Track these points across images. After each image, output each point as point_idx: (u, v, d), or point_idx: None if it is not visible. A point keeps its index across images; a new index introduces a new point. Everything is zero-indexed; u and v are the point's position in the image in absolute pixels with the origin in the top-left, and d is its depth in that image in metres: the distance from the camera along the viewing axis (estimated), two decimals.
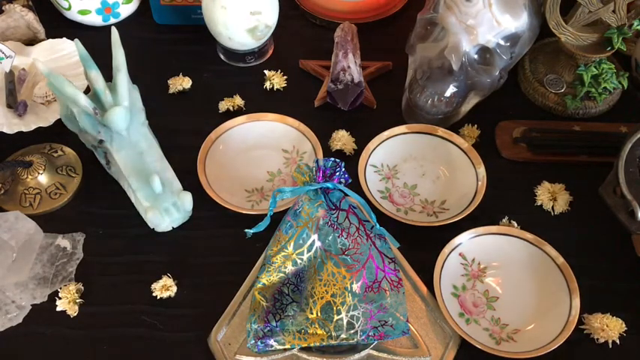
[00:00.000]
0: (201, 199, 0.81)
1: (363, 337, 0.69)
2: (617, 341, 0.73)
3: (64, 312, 0.75)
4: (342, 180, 0.70)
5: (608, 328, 0.72)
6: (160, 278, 0.77)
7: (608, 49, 0.88)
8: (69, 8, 1.00)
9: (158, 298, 0.76)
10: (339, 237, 0.70)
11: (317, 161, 0.69)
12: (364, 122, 0.91)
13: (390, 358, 0.71)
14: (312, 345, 0.69)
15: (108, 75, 0.79)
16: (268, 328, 0.69)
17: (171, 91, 0.95)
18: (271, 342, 0.69)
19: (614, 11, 0.85)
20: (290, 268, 0.71)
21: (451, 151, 0.86)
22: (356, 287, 0.69)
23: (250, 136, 0.89)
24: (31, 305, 0.75)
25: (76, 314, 0.75)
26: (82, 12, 1.00)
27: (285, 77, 0.96)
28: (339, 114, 0.91)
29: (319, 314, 0.69)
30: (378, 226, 0.72)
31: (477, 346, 0.70)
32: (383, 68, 0.97)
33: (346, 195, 0.71)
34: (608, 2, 0.84)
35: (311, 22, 1.05)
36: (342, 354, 0.70)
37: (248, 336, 0.69)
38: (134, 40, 0.98)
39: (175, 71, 0.97)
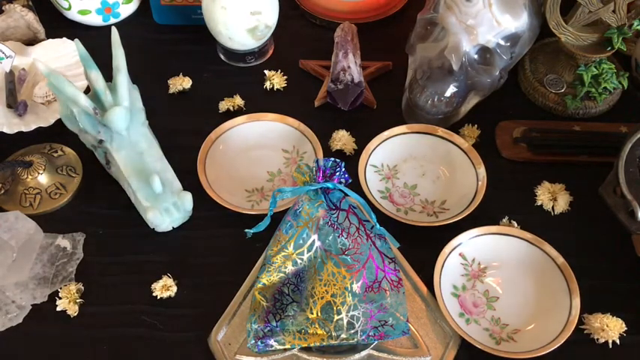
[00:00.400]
0: (201, 199, 0.81)
1: (363, 337, 0.69)
2: (617, 341, 0.73)
3: (64, 312, 0.75)
4: (342, 180, 0.70)
5: (608, 328, 0.72)
6: (160, 278, 0.77)
7: (608, 49, 0.88)
8: (69, 8, 1.00)
9: (158, 298, 0.76)
10: (339, 237, 0.70)
11: (317, 161, 0.69)
12: (364, 122, 0.91)
13: (390, 358, 0.71)
14: (312, 345, 0.69)
15: (108, 75, 0.79)
16: (268, 328, 0.69)
17: (171, 91, 0.95)
18: (271, 342, 0.69)
19: (614, 11, 0.85)
20: (290, 268, 0.71)
21: (451, 151, 0.86)
22: (356, 287, 0.69)
23: (250, 136, 0.89)
24: (31, 305, 0.75)
25: (76, 314, 0.75)
26: (82, 12, 1.00)
27: (285, 77, 0.96)
28: (339, 114, 0.91)
29: (319, 314, 0.69)
30: (378, 226, 0.72)
31: (477, 346, 0.70)
32: (383, 68, 0.97)
33: (346, 195, 0.71)
34: (608, 2, 0.84)
35: (311, 22, 1.05)
36: (342, 354, 0.70)
37: (248, 336, 0.69)
38: (134, 40, 0.98)
39: (175, 71, 0.97)
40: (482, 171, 0.83)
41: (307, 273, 0.71)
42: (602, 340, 0.73)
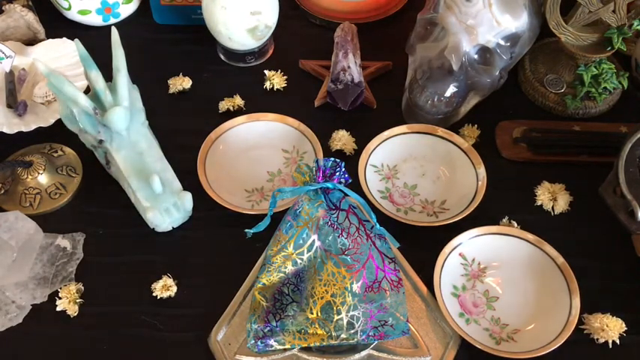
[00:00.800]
0: (201, 199, 0.81)
1: (363, 337, 0.69)
2: (617, 341, 0.73)
3: (64, 312, 0.75)
4: (342, 180, 0.70)
5: (608, 328, 0.72)
6: (160, 278, 0.77)
7: (608, 49, 0.88)
8: (69, 8, 1.00)
9: (158, 298, 0.76)
10: (339, 237, 0.70)
11: (317, 161, 0.69)
12: (364, 122, 0.91)
13: (390, 358, 0.71)
14: (312, 345, 0.69)
15: (108, 75, 0.79)
16: (268, 328, 0.69)
17: (171, 91, 0.95)
18: (271, 342, 0.69)
19: (614, 11, 0.85)
20: (290, 268, 0.71)
21: (451, 151, 0.86)
22: (356, 287, 0.69)
23: (250, 136, 0.89)
24: (31, 305, 0.75)
25: (76, 314, 0.75)
26: (82, 12, 1.00)
27: (285, 77, 0.96)
28: (339, 114, 0.91)
29: (319, 314, 0.69)
30: (378, 226, 0.72)
31: (477, 346, 0.70)
32: (383, 68, 0.97)
33: (346, 195, 0.71)
34: (608, 2, 0.84)
35: (311, 22, 1.05)
36: (342, 354, 0.70)
37: (248, 336, 0.69)
38: (134, 40, 0.98)
39: (175, 71, 0.97)
40: (482, 171, 0.83)
41: (307, 273, 0.71)
42: (602, 340, 0.73)
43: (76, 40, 0.80)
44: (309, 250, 0.71)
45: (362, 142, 0.87)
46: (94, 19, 1.01)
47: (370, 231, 0.72)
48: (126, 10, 1.03)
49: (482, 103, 0.91)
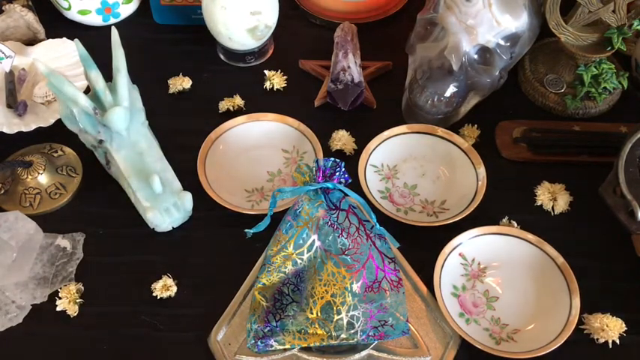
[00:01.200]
0: (201, 199, 0.81)
1: (363, 337, 0.69)
2: (617, 341, 0.73)
3: (64, 312, 0.75)
4: (342, 180, 0.70)
5: (608, 328, 0.72)
6: (160, 278, 0.77)
7: (608, 49, 0.88)
8: (69, 8, 1.00)
9: (158, 298, 0.76)
10: (339, 237, 0.70)
11: (317, 161, 0.69)
12: (364, 122, 0.91)
13: (390, 358, 0.71)
14: (312, 345, 0.69)
15: (108, 75, 0.79)
16: (268, 328, 0.69)
17: (171, 91, 0.95)
18: (271, 342, 0.69)
19: (614, 11, 0.85)
20: (290, 268, 0.71)
21: (451, 151, 0.86)
22: (356, 287, 0.69)
23: (250, 136, 0.89)
24: (31, 305, 0.75)
25: (76, 314, 0.75)
26: (82, 12, 1.00)
27: (285, 77, 0.96)
28: (339, 114, 0.91)
29: (319, 314, 0.69)
30: (378, 226, 0.72)
31: (477, 346, 0.70)
32: (383, 68, 0.97)
33: (346, 195, 0.71)
34: (608, 2, 0.84)
35: (311, 22, 1.05)
36: (342, 354, 0.70)
37: (248, 336, 0.69)
38: (134, 40, 0.98)
39: (175, 71, 0.97)
40: (482, 171, 0.83)
41: (307, 273, 0.71)
42: (602, 340, 0.73)
43: (76, 40, 0.80)
44: (309, 250, 0.71)
45: (362, 142, 0.87)
46: (94, 19, 1.01)
47: (370, 231, 0.72)
48: (126, 10, 1.03)
49: (482, 103, 0.91)
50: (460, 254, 0.78)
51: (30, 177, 0.83)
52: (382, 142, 0.87)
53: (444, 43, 0.86)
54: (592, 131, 0.89)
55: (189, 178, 0.82)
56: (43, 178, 0.84)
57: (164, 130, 0.87)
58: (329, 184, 0.69)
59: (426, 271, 0.76)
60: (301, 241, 0.70)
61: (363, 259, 0.70)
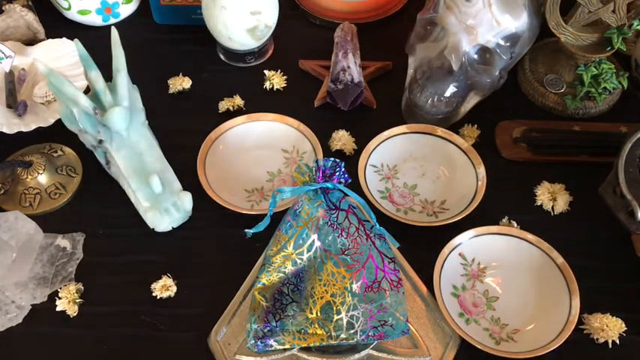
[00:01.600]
0: (201, 199, 0.81)
1: (362, 337, 0.69)
2: (617, 341, 0.73)
3: (64, 312, 0.75)
4: (342, 180, 0.70)
5: (608, 328, 0.72)
6: (160, 278, 0.77)
7: (608, 49, 0.88)
8: (69, 8, 1.00)
9: (158, 298, 0.76)
10: (338, 237, 0.70)
11: (317, 161, 0.69)
12: (364, 122, 0.91)
13: (390, 358, 0.71)
14: (312, 345, 0.69)
15: (108, 75, 0.79)
16: (268, 328, 0.69)
17: (171, 91, 0.95)
18: (271, 342, 0.69)
19: (613, 11, 0.85)
20: (290, 268, 0.71)
21: (451, 151, 0.86)
22: (356, 287, 0.69)
23: (250, 136, 0.89)
24: (31, 305, 0.75)
25: (76, 314, 0.75)
26: (82, 12, 1.00)
27: (285, 77, 0.96)
28: (339, 114, 0.91)
29: (319, 314, 0.69)
30: (377, 226, 0.72)
31: (477, 346, 0.70)
32: (383, 68, 0.97)
33: (346, 195, 0.71)
34: (608, 2, 0.84)
35: (311, 22, 1.05)
36: (342, 354, 0.70)
37: (248, 336, 0.69)
38: (134, 40, 0.98)
39: (175, 71, 0.97)
40: (482, 171, 0.83)
41: (307, 273, 0.71)
42: (601, 340, 0.73)
43: (76, 40, 0.80)
44: (308, 250, 0.71)
45: (362, 142, 0.87)
46: (94, 19, 1.01)
47: (370, 231, 0.72)
48: (126, 10, 1.03)
49: (482, 103, 0.91)
50: (460, 254, 0.78)
51: (30, 177, 0.83)
52: (382, 142, 0.87)
53: (444, 43, 0.86)
54: (592, 131, 0.89)
55: (189, 178, 0.82)
56: (43, 178, 0.84)
57: (164, 130, 0.87)
58: (329, 184, 0.69)
59: (425, 271, 0.76)
60: (301, 241, 0.70)
61: (363, 259, 0.70)
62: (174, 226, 0.81)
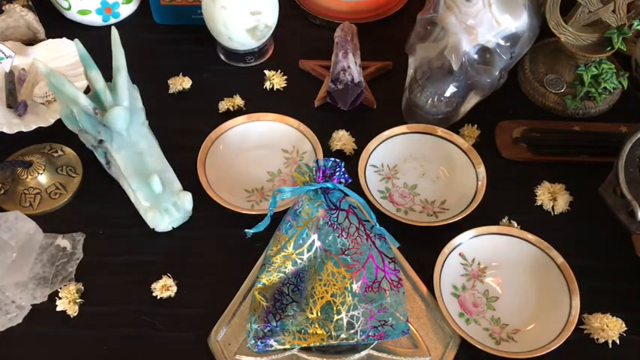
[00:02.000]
0: (201, 199, 0.81)
1: (363, 337, 0.69)
2: (617, 341, 0.73)
3: (64, 312, 0.75)
4: (342, 180, 0.70)
5: (608, 328, 0.72)
6: (160, 278, 0.77)
7: (608, 49, 0.88)
8: (69, 8, 1.00)
9: (158, 298, 0.76)
10: (339, 237, 0.70)
11: (317, 161, 0.69)
12: (364, 122, 0.91)
13: (390, 358, 0.71)
14: (312, 345, 0.69)
15: (108, 75, 0.79)
16: (268, 328, 0.69)
17: (171, 91, 0.95)
18: (271, 342, 0.69)
19: (614, 11, 0.85)
20: (290, 268, 0.71)
21: (451, 151, 0.86)
22: (356, 287, 0.69)
23: (250, 136, 0.89)
24: (31, 305, 0.75)
25: (76, 314, 0.75)
26: (82, 12, 1.00)
27: (285, 77, 0.96)
28: (339, 114, 0.91)
29: (319, 314, 0.69)
30: (378, 225, 0.72)
31: (477, 346, 0.70)
32: (383, 68, 0.97)
33: (346, 195, 0.71)
34: (608, 2, 0.84)
35: (311, 22, 1.05)
36: (342, 354, 0.70)
37: (248, 336, 0.69)
38: (134, 40, 0.98)
39: (175, 71, 0.97)
40: (482, 171, 0.83)
41: (307, 273, 0.71)
42: (602, 340, 0.73)
43: (76, 40, 0.80)
44: (309, 250, 0.71)
45: (362, 142, 0.87)
46: (94, 19, 1.01)
47: (370, 231, 0.72)
48: (126, 10, 1.03)
49: (482, 103, 0.91)
50: (460, 254, 0.78)
51: (30, 177, 0.83)
52: (382, 142, 0.87)
53: (444, 43, 0.86)
54: (592, 131, 0.89)
55: (189, 178, 0.82)
56: (43, 178, 0.84)
57: (164, 130, 0.87)
58: (329, 184, 0.69)
59: (426, 271, 0.76)
60: (301, 241, 0.70)
61: (363, 259, 0.70)
62: (175, 226, 0.81)
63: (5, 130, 0.85)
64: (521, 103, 0.94)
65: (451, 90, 0.85)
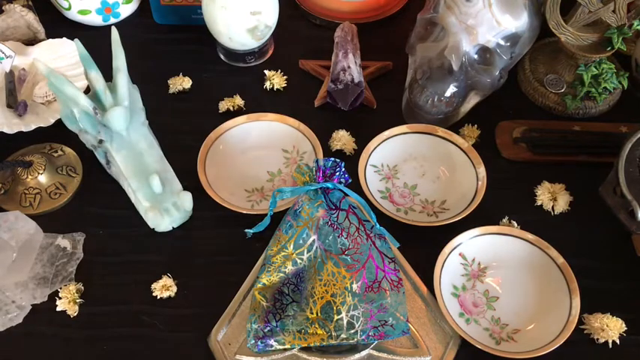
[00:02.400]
0: (201, 199, 0.81)
1: (363, 337, 0.69)
2: (617, 341, 0.73)
3: (64, 312, 0.75)
4: (342, 180, 0.70)
5: (608, 328, 0.72)
6: (160, 278, 0.77)
7: (608, 49, 0.88)
8: (69, 8, 1.00)
9: (158, 298, 0.76)
10: (339, 237, 0.70)
11: (317, 161, 0.69)
12: (364, 122, 0.91)
13: (390, 358, 0.71)
14: (312, 345, 0.69)
15: (108, 75, 0.79)
16: (268, 328, 0.69)
17: (171, 91, 0.95)
18: (271, 342, 0.69)
19: (614, 11, 0.85)
20: (290, 268, 0.71)
21: (451, 151, 0.86)
22: (356, 287, 0.69)
23: (250, 136, 0.89)
24: (31, 305, 0.75)
25: (76, 314, 0.75)
26: (82, 12, 1.00)
27: (285, 77, 0.96)
28: (339, 114, 0.91)
29: (319, 314, 0.69)
30: (378, 225, 0.72)
31: (477, 346, 0.70)
32: (383, 68, 0.97)
33: (346, 195, 0.71)
34: (608, 2, 0.84)
35: (311, 22, 1.05)
36: (342, 354, 0.70)
37: (248, 336, 0.69)
38: (134, 40, 0.98)
39: (175, 71, 0.97)
40: (482, 171, 0.83)
41: (307, 273, 0.71)
42: (602, 340, 0.73)
43: (76, 40, 0.80)
44: (309, 250, 0.71)
45: (362, 142, 0.87)
46: (94, 19, 1.01)
47: (370, 231, 0.72)
48: (126, 10, 1.03)
49: (482, 103, 0.91)
50: (460, 254, 0.78)
51: (30, 177, 0.83)
52: (382, 142, 0.87)
53: (444, 43, 0.86)
54: (592, 131, 0.89)
55: (189, 178, 0.82)
56: (43, 178, 0.84)
57: (164, 130, 0.87)
58: (329, 184, 0.69)
59: (426, 271, 0.76)
60: (301, 241, 0.70)
61: (363, 259, 0.70)
62: (175, 226, 0.81)
63: (5, 130, 0.85)
64: (521, 103, 0.94)
65: (451, 90, 0.85)
